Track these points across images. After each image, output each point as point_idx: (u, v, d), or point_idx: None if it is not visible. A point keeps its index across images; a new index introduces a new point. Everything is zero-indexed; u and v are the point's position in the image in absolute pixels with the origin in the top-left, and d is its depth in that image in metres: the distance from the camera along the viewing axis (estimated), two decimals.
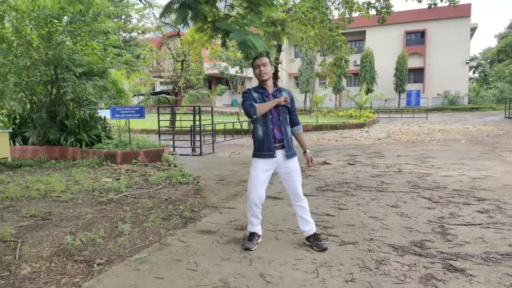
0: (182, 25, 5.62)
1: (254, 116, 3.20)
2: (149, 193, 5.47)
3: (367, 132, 15.80)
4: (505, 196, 4.89)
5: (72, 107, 9.55)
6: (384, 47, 37.07)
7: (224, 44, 5.97)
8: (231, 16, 5.95)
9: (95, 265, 3.04)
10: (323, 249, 3.24)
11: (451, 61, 35.62)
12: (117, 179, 6.38)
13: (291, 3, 12.30)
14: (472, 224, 3.85)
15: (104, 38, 9.82)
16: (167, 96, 12.03)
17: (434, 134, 13.83)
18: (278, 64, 14.03)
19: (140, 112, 8.70)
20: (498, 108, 32.63)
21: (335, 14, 13.36)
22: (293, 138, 3.45)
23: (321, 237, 3.42)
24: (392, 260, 3.06)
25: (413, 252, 3.20)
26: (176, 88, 20.29)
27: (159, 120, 10.48)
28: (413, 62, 36.89)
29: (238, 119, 16.62)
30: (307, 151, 3.48)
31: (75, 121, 9.09)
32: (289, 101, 3.29)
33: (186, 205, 4.78)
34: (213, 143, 10.80)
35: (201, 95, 18.60)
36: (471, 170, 6.77)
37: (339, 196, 5.12)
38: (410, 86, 37.15)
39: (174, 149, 9.95)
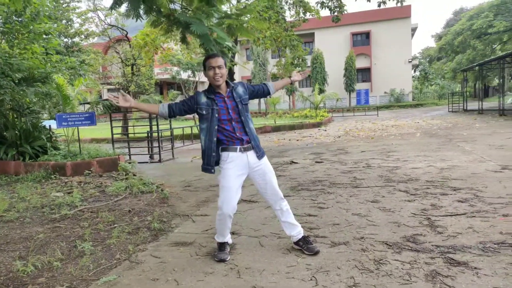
0: (134, 19, 5.14)
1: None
2: (108, 206, 4.93)
3: (325, 130, 15.91)
4: (478, 184, 4.91)
5: (12, 117, 8.60)
6: (333, 48, 38.03)
7: (184, 40, 5.55)
8: (189, 10, 5.55)
9: None
10: (316, 253, 2.97)
11: (395, 60, 37.29)
12: (69, 193, 5.73)
13: (245, 1, 12.05)
14: (457, 214, 3.76)
15: (46, 41, 8.98)
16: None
17: (389, 130, 14.18)
18: (233, 65, 13.72)
19: (90, 119, 8.00)
20: (440, 103, 34.58)
21: (287, 14, 13.31)
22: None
23: (311, 239, 3.14)
24: (391, 258, 2.84)
25: (409, 248, 3.01)
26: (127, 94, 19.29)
27: (112, 127, 9.77)
28: (361, 62, 38.18)
29: (196, 123, 16.08)
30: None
31: (16, 132, 8.19)
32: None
33: (153, 216, 4.32)
34: (172, 149, 10.26)
35: (153, 101, 17.83)
36: (436, 161, 6.85)
37: (316, 195, 4.89)
38: (359, 86, 38.41)
39: (130, 157, 9.30)
